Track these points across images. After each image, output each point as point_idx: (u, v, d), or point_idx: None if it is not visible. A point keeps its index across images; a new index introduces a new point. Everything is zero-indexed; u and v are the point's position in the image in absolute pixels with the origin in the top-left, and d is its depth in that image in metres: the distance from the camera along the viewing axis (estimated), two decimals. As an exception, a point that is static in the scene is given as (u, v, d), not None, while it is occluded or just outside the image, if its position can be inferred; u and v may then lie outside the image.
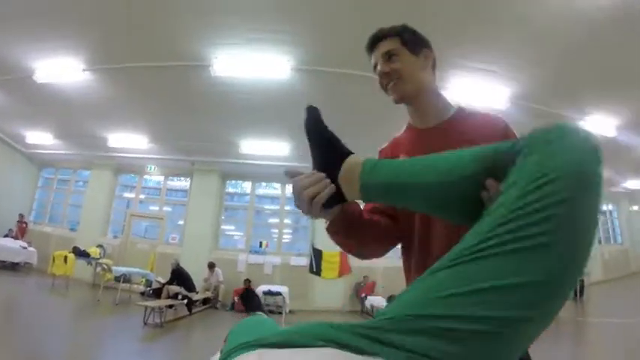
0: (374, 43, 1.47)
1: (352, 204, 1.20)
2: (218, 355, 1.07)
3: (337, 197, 1.09)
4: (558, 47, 6.65)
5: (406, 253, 1.49)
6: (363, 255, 1.45)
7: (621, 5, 5.56)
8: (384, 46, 1.44)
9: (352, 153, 1.12)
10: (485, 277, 0.69)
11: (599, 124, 9.19)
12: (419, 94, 1.44)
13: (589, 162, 0.75)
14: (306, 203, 1.09)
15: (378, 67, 1.45)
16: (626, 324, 8.39)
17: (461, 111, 1.47)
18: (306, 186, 1.10)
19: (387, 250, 1.48)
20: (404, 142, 1.53)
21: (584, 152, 0.76)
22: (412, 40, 1.45)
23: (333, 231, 1.29)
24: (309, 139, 1.21)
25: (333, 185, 1.09)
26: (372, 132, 9.86)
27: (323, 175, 1.11)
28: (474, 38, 6.56)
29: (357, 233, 1.30)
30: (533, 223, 0.69)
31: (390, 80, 1.43)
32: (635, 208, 18.58)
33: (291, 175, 1.16)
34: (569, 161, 0.74)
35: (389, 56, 1.43)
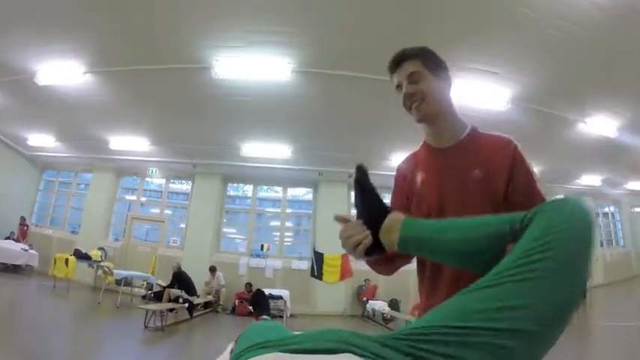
0: (397, 63, 1.52)
1: None
2: (227, 354, 1.09)
3: (377, 246, 1.25)
4: (560, 48, 6.63)
5: (420, 267, 1.60)
6: (390, 274, 1.66)
7: (622, 6, 5.55)
8: (409, 67, 1.49)
9: (391, 210, 1.27)
10: (503, 297, 0.87)
11: (601, 125, 9.18)
12: (439, 115, 1.51)
13: (581, 224, 0.94)
14: (350, 249, 1.27)
15: (404, 89, 1.49)
16: (629, 327, 8.35)
17: (473, 132, 1.53)
18: (350, 235, 1.26)
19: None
20: (421, 160, 1.61)
21: (577, 219, 0.94)
22: (433, 63, 1.51)
23: (372, 263, 1.52)
24: (359, 193, 1.34)
25: (371, 238, 1.24)
26: (371, 133, 9.98)
27: (363, 226, 1.27)
28: (479, 41, 6.54)
29: (392, 263, 1.54)
30: (535, 261, 0.88)
31: (415, 101, 1.48)
32: (638, 209, 18.34)
33: (339, 220, 1.33)
34: (564, 222, 0.93)
35: (413, 78, 1.48)
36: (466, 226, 1.12)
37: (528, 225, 0.98)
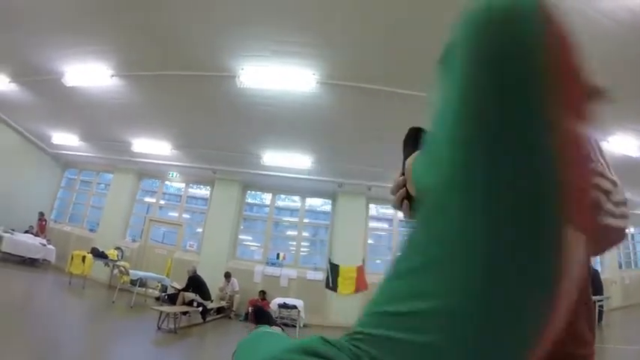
0: None
1: None
2: None
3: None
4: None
5: None
6: None
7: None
8: None
9: None
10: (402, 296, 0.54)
11: (623, 143, 8.97)
12: None
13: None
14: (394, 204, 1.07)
15: None
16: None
17: None
18: (394, 188, 1.07)
19: None
20: None
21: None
22: None
23: None
24: (404, 149, 1.10)
25: (402, 190, 1.00)
26: (395, 148, 9.87)
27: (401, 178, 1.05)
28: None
29: None
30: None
31: None
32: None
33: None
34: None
35: None
36: None
37: None
